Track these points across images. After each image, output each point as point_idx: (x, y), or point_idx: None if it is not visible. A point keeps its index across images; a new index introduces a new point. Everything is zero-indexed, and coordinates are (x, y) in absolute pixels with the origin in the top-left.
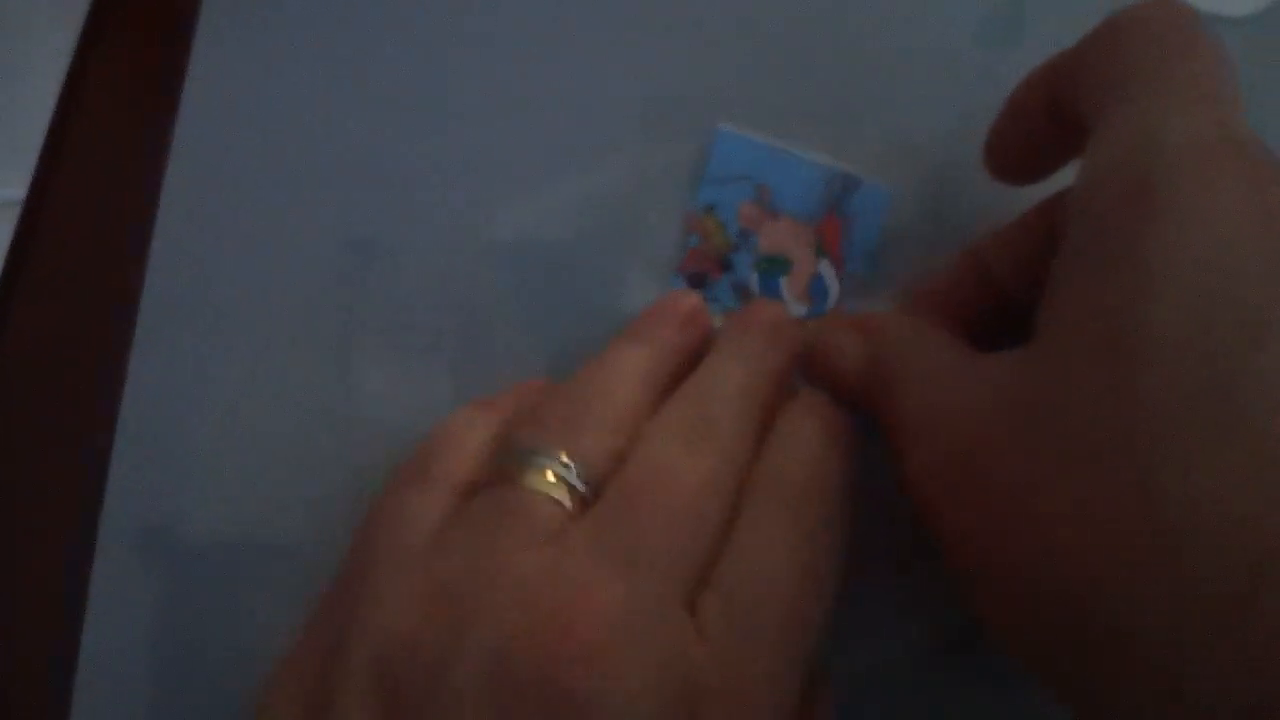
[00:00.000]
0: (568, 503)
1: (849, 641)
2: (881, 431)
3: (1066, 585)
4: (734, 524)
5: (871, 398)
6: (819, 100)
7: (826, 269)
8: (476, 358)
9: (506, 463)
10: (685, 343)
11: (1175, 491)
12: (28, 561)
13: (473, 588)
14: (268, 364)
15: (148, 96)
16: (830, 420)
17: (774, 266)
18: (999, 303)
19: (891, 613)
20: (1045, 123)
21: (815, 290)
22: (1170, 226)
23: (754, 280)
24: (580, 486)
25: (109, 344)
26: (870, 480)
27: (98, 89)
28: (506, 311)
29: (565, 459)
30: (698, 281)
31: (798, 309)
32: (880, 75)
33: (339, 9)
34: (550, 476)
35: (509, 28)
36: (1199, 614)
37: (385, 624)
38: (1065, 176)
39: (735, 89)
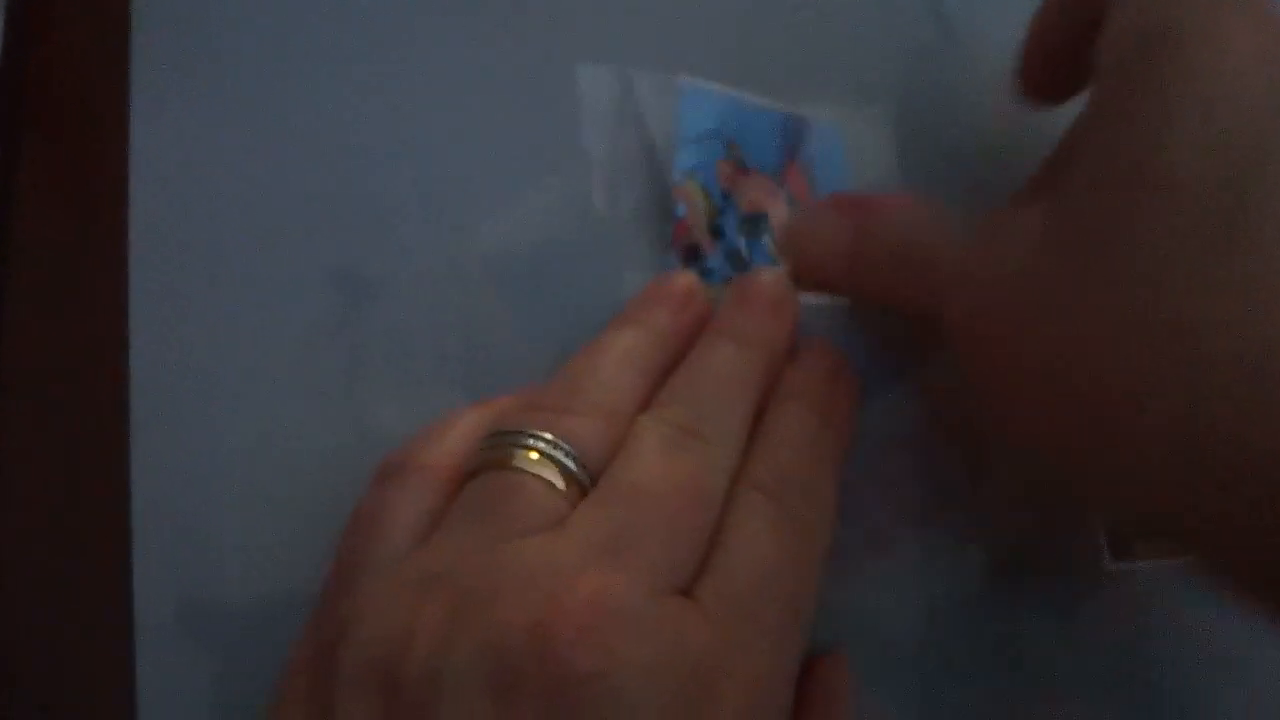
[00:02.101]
0: (560, 483)
1: (902, 581)
2: (900, 297)
3: (1102, 376)
4: (727, 514)
5: (875, 273)
6: (769, 49)
7: None
8: (484, 374)
9: (496, 446)
10: (680, 325)
11: (1190, 292)
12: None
13: (465, 576)
14: (275, 420)
15: (89, 185)
16: (824, 400)
17: (755, 226)
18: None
19: (940, 546)
20: (1072, 34)
21: None
22: (1182, 67)
23: (742, 244)
24: (572, 467)
25: (104, 438)
26: (909, 427)
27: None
28: (506, 323)
29: (554, 439)
30: (693, 255)
31: (786, 263)
32: (827, 19)
33: (273, 58)
34: (539, 457)
35: (459, 42)
36: (1217, 386)
37: (377, 621)
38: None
39: (687, 42)
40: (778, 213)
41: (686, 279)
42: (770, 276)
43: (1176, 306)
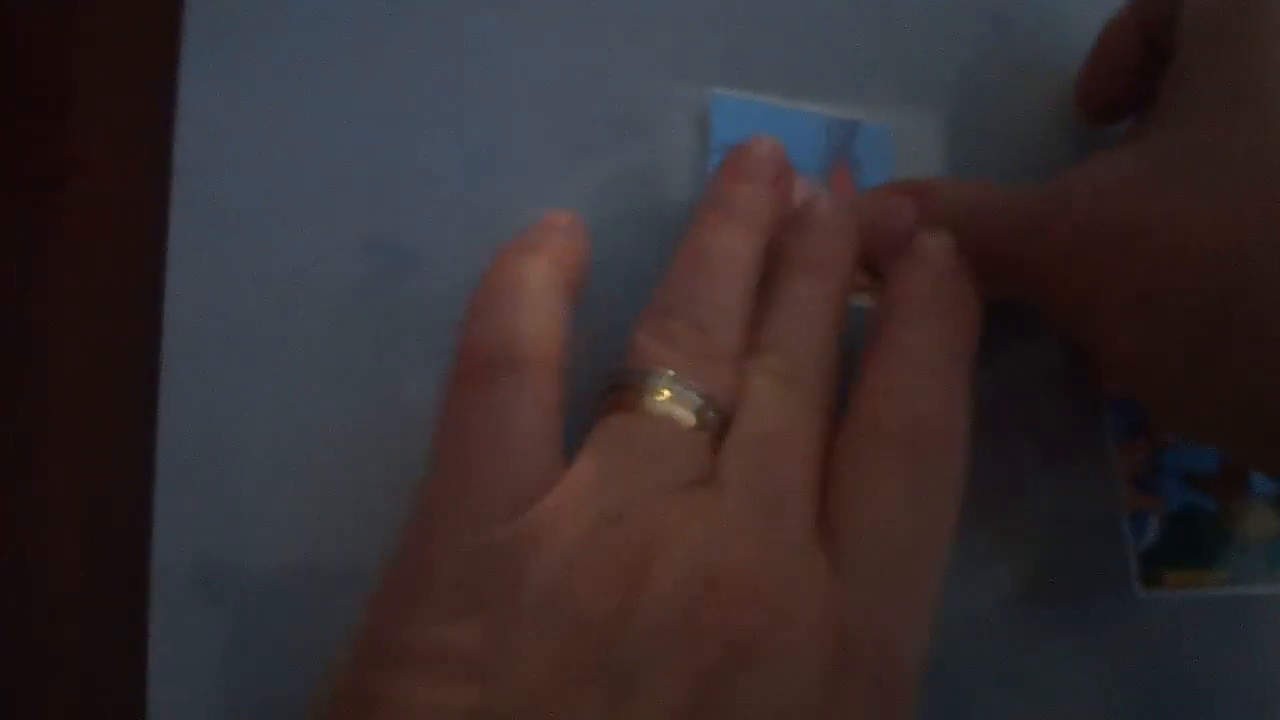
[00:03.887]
0: (695, 423)
1: None
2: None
3: (1217, 282)
4: (859, 467)
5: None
6: (819, 56)
7: None
8: None
9: (629, 386)
10: (774, 205)
11: None
12: (76, 605)
13: (642, 526)
14: (303, 382)
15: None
16: (945, 313)
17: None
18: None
19: (971, 563)
20: (1137, 52)
21: None
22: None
23: None
24: (704, 408)
25: (132, 394)
26: None
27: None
28: None
29: (684, 379)
30: None
31: None
32: (884, 26)
33: (323, 21)
34: (671, 398)
35: (508, 21)
36: None
37: (563, 556)
38: None
39: (733, 52)
40: None
41: (768, 143)
42: (828, 204)
43: None
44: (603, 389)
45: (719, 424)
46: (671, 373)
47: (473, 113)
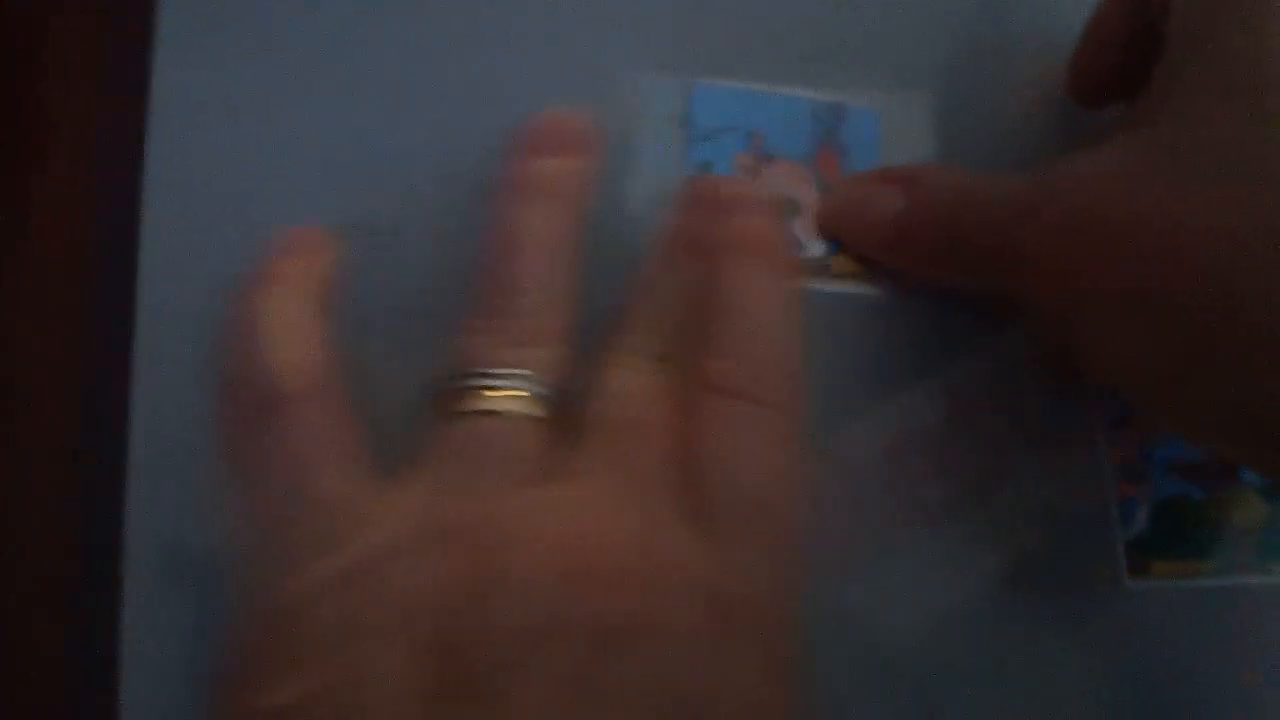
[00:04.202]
0: (536, 414)
1: (914, 585)
2: (958, 252)
3: (1210, 278)
4: (708, 426)
5: (930, 230)
6: (805, 41)
7: None
8: None
9: (461, 387)
10: (579, 178)
11: None
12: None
13: (487, 530)
14: None
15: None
16: (776, 255)
17: (783, 210)
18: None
19: (954, 552)
20: (1128, 36)
21: None
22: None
23: None
24: (543, 394)
25: (106, 379)
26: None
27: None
28: None
29: (517, 372)
30: None
31: (815, 248)
32: (871, 10)
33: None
34: (509, 393)
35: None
36: None
37: (406, 577)
38: None
39: (718, 38)
40: (807, 197)
41: (563, 113)
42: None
43: None
44: (428, 395)
45: (551, 407)
46: (491, 368)
47: (453, 96)
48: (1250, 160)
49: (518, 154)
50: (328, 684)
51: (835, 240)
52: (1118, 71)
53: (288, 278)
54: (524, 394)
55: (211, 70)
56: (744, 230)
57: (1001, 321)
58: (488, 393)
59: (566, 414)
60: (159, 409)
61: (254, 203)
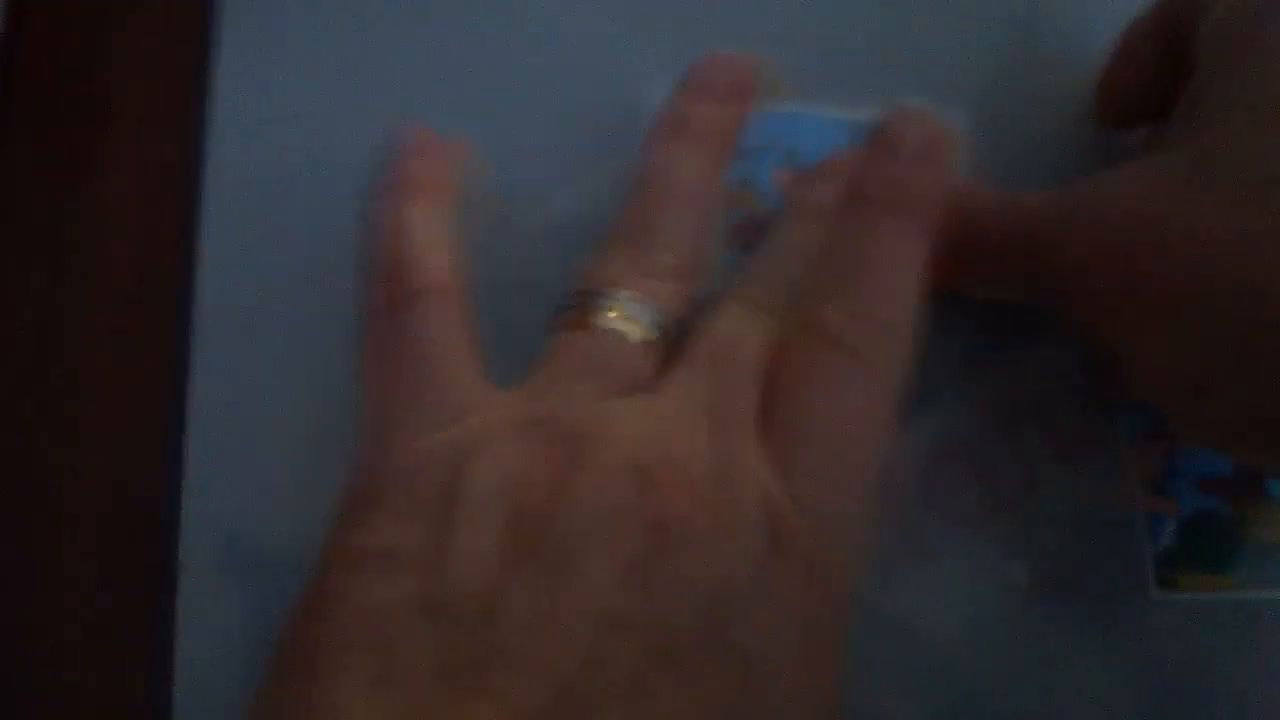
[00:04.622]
0: (645, 338)
1: (946, 590)
2: (1000, 264)
3: (1244, 290)
4: (802, 369)
5: (972, 245)
6: (840, 60)
7: None
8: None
9: (582, 305)
10: (736, 123)
11: None
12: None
13: (576, 425)
14: (331, 371)
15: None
16: (905, 202)
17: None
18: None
19: (986, 558)
20: (1157, 59)
21: None
22: None
23: None
24: (656, 322)
25: (164, 375)
26: (964, 436)
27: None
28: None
29: (637, 297)
30: (747, 252)
31: None
32: (905, 28)
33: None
34: (622, 315)
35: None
36: None
37: (498, 456)
38: None
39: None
40: None
41: (727, 57)
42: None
43: None
44: (553, 311)
45: (664, 339)
46: (617, 291)
47: (496, 109)
48: (1265, 178)
49: (681, 95)
50: (420, 536)
51: None
52: (1146, 93)
53: (421, 188)
54: (640, 321)
55: (270, 70)
56: (891, 186)
57: (1037, 334)
58: (608, 312)
59: (676, 351)
60: (216, 403)
61: (312, 199)
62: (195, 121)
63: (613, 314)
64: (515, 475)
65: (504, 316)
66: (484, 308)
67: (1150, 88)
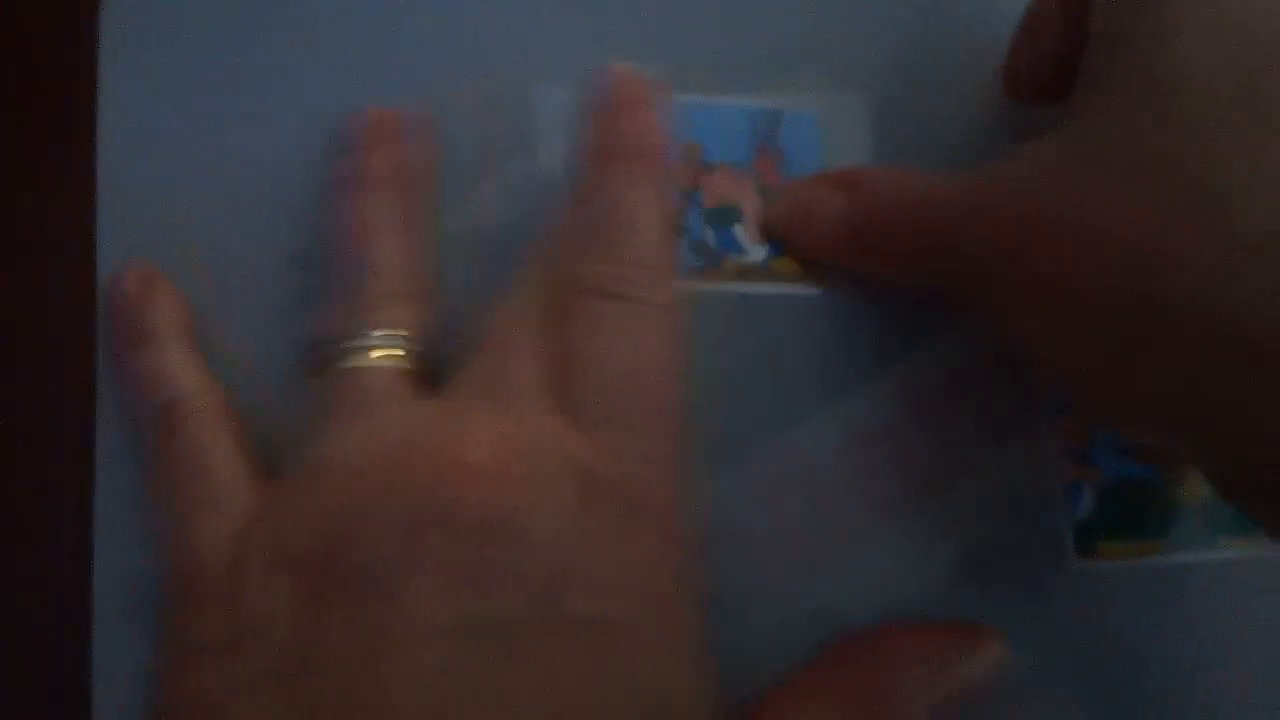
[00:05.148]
0: (400, 368)
1: (869, 575)
2: (904, 251)
3: (1140, 265)
4: (572, 324)
5: (877, 230)
6: (740, 46)
7: None
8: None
9: (330, 355)
10: (400, 155)
11: (1228, 168)
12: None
13: (357, 456)
14: (238, 404)
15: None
16: (646, 159)
17: (724, 217)
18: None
19: (909, 542)
20: (1060, 30)
21: None
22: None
23: (710, 235)
24: (413, 348)
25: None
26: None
27: None
28: (458, 306)
29: (383, 332)
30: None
31: (758, 252)
32: (806, 12)
33: (241, 38)
34: (377, 353)
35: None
36: (1260, 261)
37: (279, 520)
38: None
39: (653, 51)
40: (748, 202)
41: (377, 112)
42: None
43: (1217, 189)
44: (301, 365)
45: (418, 358)
46: (356, 330)
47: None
48: (1157, 159)
49: (351, 150)
50: (221, 621)
51: (778, 243)
52: (1052, 67)
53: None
54: (377, 350)
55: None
56: (610, 135)
57: (953, 314)
58: (350, 354)
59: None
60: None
61: (201, 235)
62: None
63: (352, 354)
64: (290, 532)
65: None
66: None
67: (1059, 62)
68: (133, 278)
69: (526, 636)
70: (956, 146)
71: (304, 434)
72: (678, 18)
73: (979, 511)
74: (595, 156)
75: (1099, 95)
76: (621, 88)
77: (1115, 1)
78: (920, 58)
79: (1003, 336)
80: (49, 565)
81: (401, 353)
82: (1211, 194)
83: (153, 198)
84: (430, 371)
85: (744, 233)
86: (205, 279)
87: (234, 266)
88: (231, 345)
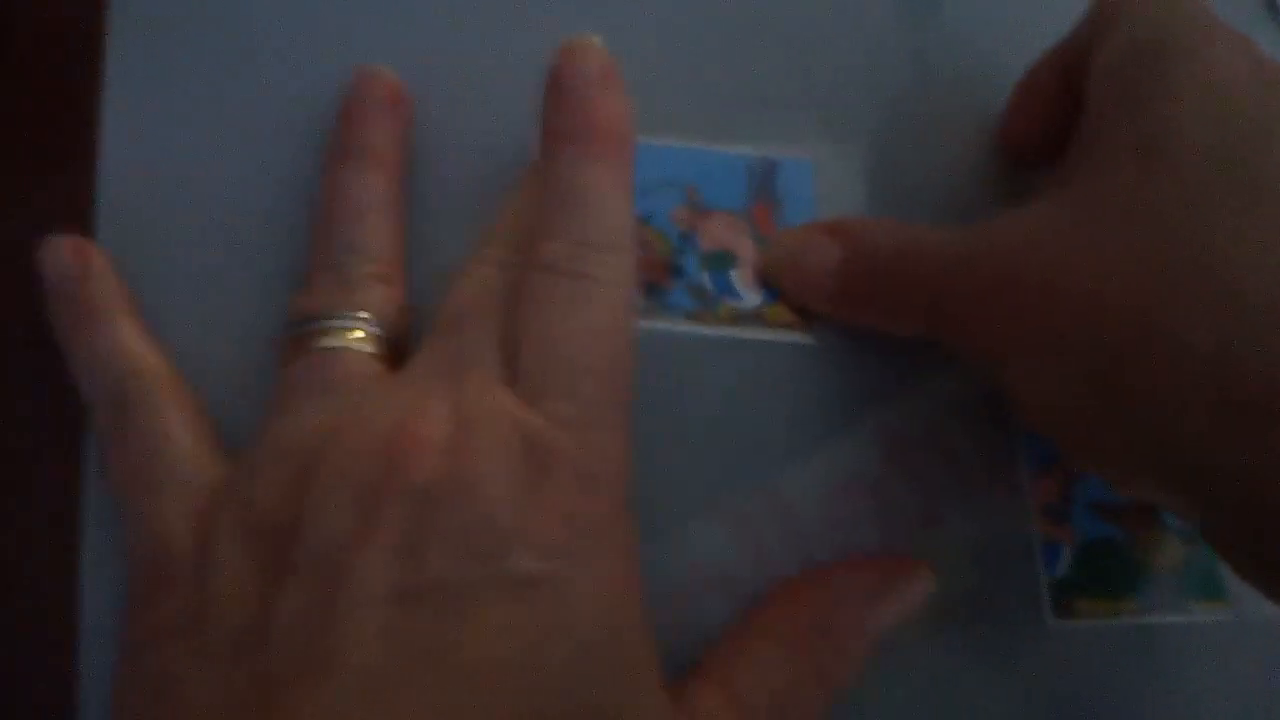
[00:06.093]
0: (370, 348)
1: None
2: (896, 303)
3: (1130, 321)
4: (522, 302)
5: (869, 281)
6: (741, 94)
7: None
8: None
9: (298, 336)
10: (395, 132)
11: (1221, 238)
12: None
13: (313, 435)
14: (225, 423)
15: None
16: (596, 136)
17: (720, 262)
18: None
19: None
20: (1056, 97)
21: None
22: (1184, 64)
23: (706, 279)
24: (371, 332)
25: (58, 437)
26: (867, 470)
27: None
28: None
29: (348, 314)
30: (650, 291)
31: (753, 299)
32: (803, 65)
33: (239, 56)
34: (341, 333)
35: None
36: (1246, 316)
37: (241, 492)
38: None
39: (653, 97)
40: (744, 249)
41: (374, 77)
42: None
43: (1208, 249)
44: (274, 349)
45: (387, 340)
46: (327, 311)
47: None
48: (1151, 226)
49: (341, 123)
50: (181, 601)
51: (773, 290)
52: (1046, 130)
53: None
54: (355, 331)
55: (158, 126)
56: (568, 117)
57: (936, 367)
58: (321, 334)
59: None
60: None
61: (194, 256)
62: None
63: (325, 334)
64: (249, 508)
65: None
66: None
67: (1053, 124)
68: (69, 249)
69: (473, 596)
70: (949, 198)
71: (271, 411)
72: (677, 66)
73: (955, 562)
74: (552, 137)
75: (1093, 161)
76: (580, 66)
77: (1113, 71)
78: (915, 110)
79: (989, 387)
80: (36, 569)
81: (379, 333)
82: (1210, 261)
83: (153, 198)
84: (405, 353)
85: (739, 278)
86: (205, 278)
87: (234, 266)
88: (232, 336)
